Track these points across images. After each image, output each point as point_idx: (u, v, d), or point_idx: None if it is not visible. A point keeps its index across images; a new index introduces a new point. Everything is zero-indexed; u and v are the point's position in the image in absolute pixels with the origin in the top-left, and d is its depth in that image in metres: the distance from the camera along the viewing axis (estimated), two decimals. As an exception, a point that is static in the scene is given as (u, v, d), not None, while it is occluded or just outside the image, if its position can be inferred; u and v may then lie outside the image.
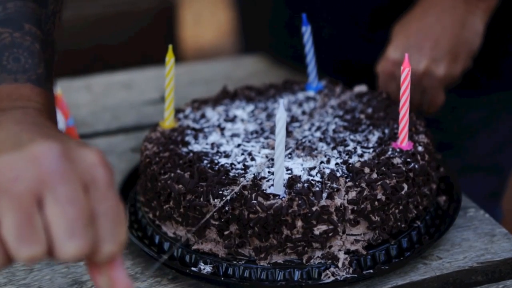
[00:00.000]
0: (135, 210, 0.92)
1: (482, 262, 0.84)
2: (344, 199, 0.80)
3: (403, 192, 0.83)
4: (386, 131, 0.91)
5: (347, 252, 0.81)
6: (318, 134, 0.92)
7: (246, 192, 0.79)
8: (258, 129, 0.94)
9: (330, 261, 0.80)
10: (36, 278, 0.84)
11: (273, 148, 0.87)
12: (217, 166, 0.84)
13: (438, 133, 1.01)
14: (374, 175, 0.82)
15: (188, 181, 0.82)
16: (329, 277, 0.80)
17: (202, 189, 0.81)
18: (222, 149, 0.89)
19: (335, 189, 0.80)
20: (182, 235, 0.84)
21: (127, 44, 2.07)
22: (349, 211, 0.80)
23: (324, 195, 0.79)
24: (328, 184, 0.80)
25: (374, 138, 0.90)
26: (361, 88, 1.02)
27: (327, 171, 0.83)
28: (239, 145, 0.89)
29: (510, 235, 0.89)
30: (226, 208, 0.79)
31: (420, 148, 0.87)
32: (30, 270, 0.85)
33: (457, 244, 0.88)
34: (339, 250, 0.81)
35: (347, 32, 1.23)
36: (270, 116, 0.96)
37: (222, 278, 0.81)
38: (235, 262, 0.81)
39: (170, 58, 0.91)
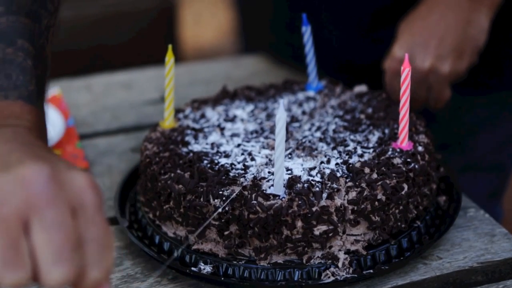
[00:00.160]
0: (135, 210, 0.92)
1: (482, 262, 0.84)
2: (344, 199, 0.80)
3: (403, 192, 0.83)
4: (386, 131, 0.91)
5: (347, 252, 0.81)
6: (318, 134, 0.92)
7: (246, 193, 0.79)
8: (258, 128, 0.93)
9: (330, 261, 0.80)
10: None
11: (273, 149, 0.87)
12: (217, 166, 0.84)
13: (439, 133, 1.01)
14: (374, 175, 0.82)
15: (188, 181, 0.82)
16: (329, 277, 0.80)
17: (202, 189, 0.81)
18: (222, 149, 0.89)
19: (335, 189, 0.80)
20: (183, 236, 0.84)
21: (127, 44, 2.07)
22: (349, 211, 0.80)
23: (324, 195, 0.79)
24: (328, 184, 0.80)
25: (374, 138, 0.90)
26: (361, 88, 1.02)
27: (327, 171, 0.83)
28: (239, 145, 0.89)
29: (510, 235, 0.89)
30: (226, 209, 0.79)
31: (420, 148, 0.87)
32: None
33: (457, 244, 0.87)
34: (339, 250, 0.81)
35: (349, 31, 1.23)
36: (270, 116, 0.96)
37: (222, 278, 0.81)
38: (235, 262, 0.81)
39: (170, 58, 0.91)
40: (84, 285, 0.55)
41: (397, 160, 0.84)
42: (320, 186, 0.80)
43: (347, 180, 0.81)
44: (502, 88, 1.25)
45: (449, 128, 1.25)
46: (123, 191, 0.95)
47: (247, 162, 0.85)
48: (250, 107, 0.99)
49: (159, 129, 0.94)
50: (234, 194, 0.79)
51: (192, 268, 0.82)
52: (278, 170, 0.78)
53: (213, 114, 0.97)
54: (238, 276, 0.81)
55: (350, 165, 0.83)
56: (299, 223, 0.79)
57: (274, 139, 0.88)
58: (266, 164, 0.85)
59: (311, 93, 1.02)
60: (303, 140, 0.90)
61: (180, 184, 0.83)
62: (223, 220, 0.80)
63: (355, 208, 0.80)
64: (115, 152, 1.10)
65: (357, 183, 0.81)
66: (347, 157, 0.86)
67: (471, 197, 0.96)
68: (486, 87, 1.23)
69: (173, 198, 0.83)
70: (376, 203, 0.81)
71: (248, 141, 0.90)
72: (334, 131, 0.92)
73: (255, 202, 0.79)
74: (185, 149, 0.88)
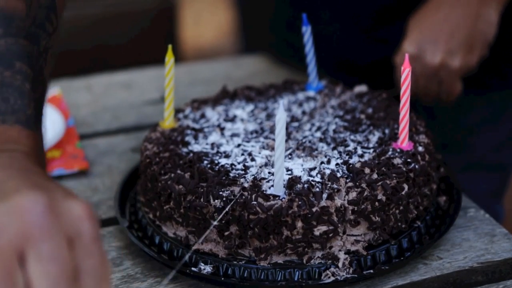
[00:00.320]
0: (135, 210, 0.92)
1: (482, 262, 0.84)
2: (344, 200, 0.80)
3: (403, 193, 0.83)
4: (387, 131, 0.91)
5: (348, 252, 0.81)
6: (318, 134, 0.92)
7: (246, 193, 0.79)
8: (258, 128, 0.93)
9: (330, 261, 0.80)
10: None
11: (273, 149, 0.87)
12: (217, 167, 0.84)
13: (439, 133, 1.01)
14: (375, 176, 0.82)
15: (188, 181, 0.82)
16: (329, 277, 0.80)
17: (202, 190, 0.81)
18: (222, 149, 0.89)
19: (336, 190, 0.80)
20: (183, 236, 0.84)
21: (127, 44, 2.07)
22: (350, 212, 0.80)
23: (324, 195, 0.79)
24: (329, 185, 0.80)
25: (374, 138, 0.89)
26: (361, 88, 1.02)
27: (328, 171, 0.83)
28: (239, 145, 0.89)
29: (510, 235, 0.89)
30: (226, 209, 0.79)
31: (420, 149, 0.87)
32: None
33: (457, 244, 0.87)
34: (339, 250, 0.81)
35: (349, 31, 1.23)
36: (270, 116, 0.96)
37: (222, 278, 0.81)
38: (235, 262, 0.81)
39: (169, 58, 0.91)
40: None
41: (397, 160, 0.84)
42: (320, 187, 0.80)
43: (347, 180, 0.81)
44: (502, 87, 1.25)
45: (449, 128, 1.25)
46: (123, 191, 0.95)
47: (247, 162, 0.85)
48: (250, 107, 0.99)
49: (159, 129, 0.94)
50: (237, 198, 0.79)
51: (192, 268, 0.82)
52: (278, 171, 0.78)
53: (213, 114, 0.97)
54: (238, 276, 0.81)
55: (350, 166, 0.83)
56: (299, 224, 0.79)
57: (274, 140, 0.88)
58: (266, 164, 0.85)
59: (311, 93, 1.02)
60: (303, 140, 0.90)
61: (180, 185, 0.83)
62: (223, 221, 0.80)
63: (355, 209, 0.80)
64: (115, 152, 1.10)
65: (357, 184, 0.81)
66: (347, 157, 0.86)
67: (472, 197, 0.96)
68: (486, 87, 1.23)
69: (173, 199, 0.83)
70: (376, 203, 0.81)
71: (248, 141, 0.90)
72: (334, 131, 0.92)
73: (255, 202, 0.79)
74: (185, 149, 0.88)
